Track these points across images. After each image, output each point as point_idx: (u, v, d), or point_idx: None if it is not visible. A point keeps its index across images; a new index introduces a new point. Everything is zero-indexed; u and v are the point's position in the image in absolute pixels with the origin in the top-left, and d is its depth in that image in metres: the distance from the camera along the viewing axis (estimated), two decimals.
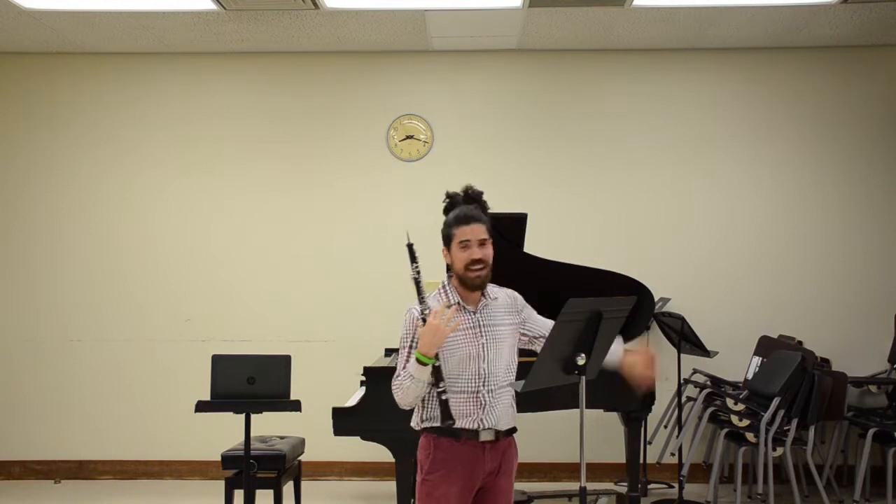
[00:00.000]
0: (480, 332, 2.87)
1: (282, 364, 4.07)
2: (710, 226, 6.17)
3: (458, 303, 2.89)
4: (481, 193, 2.95)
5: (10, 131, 6.33)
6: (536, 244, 4.83)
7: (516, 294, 3.01)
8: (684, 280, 6.09)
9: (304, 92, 6.29)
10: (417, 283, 2.88)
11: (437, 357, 2.79)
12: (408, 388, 2.80)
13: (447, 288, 2.93)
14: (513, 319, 2.95)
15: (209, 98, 6.31)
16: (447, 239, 2.90)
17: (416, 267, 2.90)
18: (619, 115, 6.24)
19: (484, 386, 2.85)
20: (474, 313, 2.89)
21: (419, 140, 6.25)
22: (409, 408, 2.90)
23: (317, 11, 5.36)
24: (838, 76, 6.18)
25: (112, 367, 6.19)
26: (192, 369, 5.75)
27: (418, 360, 2.76)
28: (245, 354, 4.19)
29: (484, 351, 2.86)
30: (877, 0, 5.18)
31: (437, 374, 2.79)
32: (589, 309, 2.81)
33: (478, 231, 2.85)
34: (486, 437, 2.85)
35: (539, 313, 3.06)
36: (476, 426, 2.84)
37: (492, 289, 2.96)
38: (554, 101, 6.26)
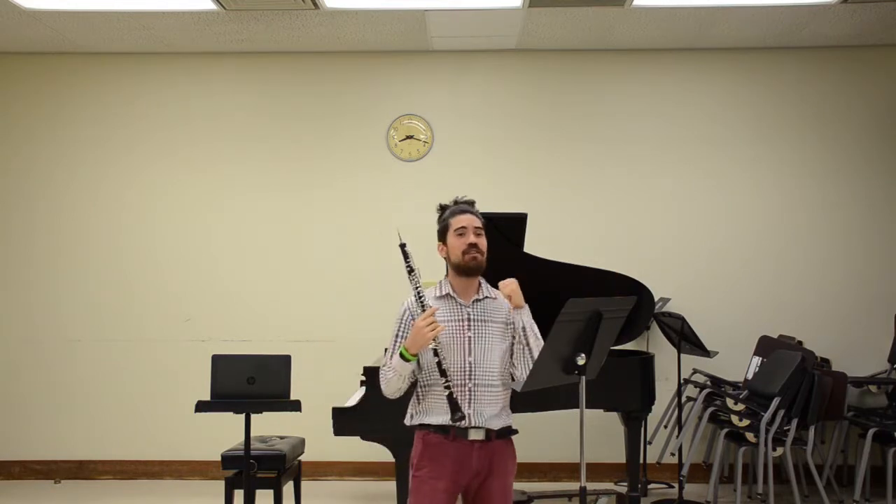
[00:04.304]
0: (469, 325, 2.89)
1: (282, 364, 4.07)
2: (711, 226, 6.17)
3: (448, 294, 2.92)
4: (473, 202, 3.04)
5: (9, 131, 6.32)
6: (536, 244, 4.83)
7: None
8: (684, 280, 6.09)
9: (304, 92, 6.29)
10: (413, 280, 2.88)
11: (435, 353, 2.81)
12: (389, 379, 2.89)
13: (443, 282, 2.97)
14: (505, 320, 2.95)
15: (209, 98, 6.30)
16: (443, 232, 2.97)
17: (410, 264, 2.91)
18: (619, 115, 6.23)
19: (470, 380, 2.85)
20: (466, 306, 2.91)
21: (419, 140, 6.25)
22: (393, 397, 2.94)
23: (317, 11, 5.36)
24: (838, 76, 6.18)
25: (112, 367, 6.19)
26: (192, 369, 5.74)
27: (401, 355, 2.83)
28: (245, 354, 4.19)
29: (470, 344, 2.87)
30: (877, 0, 5.18)
31: (439, 370, 2.82)
32: (589, 309, 2.81)
33: (473, 220, 2.94)
34: (475, 435, 2.85)
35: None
36: (464, 423, 2.83)
37: (492, 290, 2.99)
38: (554, 101, 6.25)
